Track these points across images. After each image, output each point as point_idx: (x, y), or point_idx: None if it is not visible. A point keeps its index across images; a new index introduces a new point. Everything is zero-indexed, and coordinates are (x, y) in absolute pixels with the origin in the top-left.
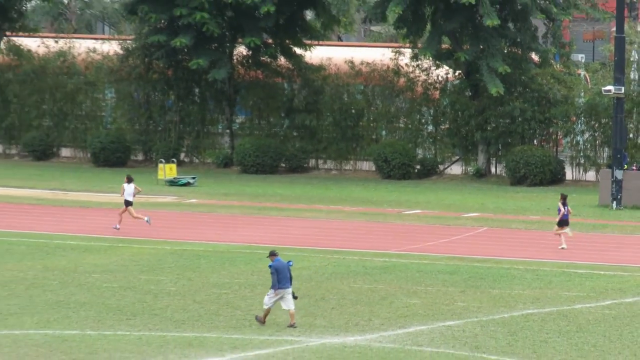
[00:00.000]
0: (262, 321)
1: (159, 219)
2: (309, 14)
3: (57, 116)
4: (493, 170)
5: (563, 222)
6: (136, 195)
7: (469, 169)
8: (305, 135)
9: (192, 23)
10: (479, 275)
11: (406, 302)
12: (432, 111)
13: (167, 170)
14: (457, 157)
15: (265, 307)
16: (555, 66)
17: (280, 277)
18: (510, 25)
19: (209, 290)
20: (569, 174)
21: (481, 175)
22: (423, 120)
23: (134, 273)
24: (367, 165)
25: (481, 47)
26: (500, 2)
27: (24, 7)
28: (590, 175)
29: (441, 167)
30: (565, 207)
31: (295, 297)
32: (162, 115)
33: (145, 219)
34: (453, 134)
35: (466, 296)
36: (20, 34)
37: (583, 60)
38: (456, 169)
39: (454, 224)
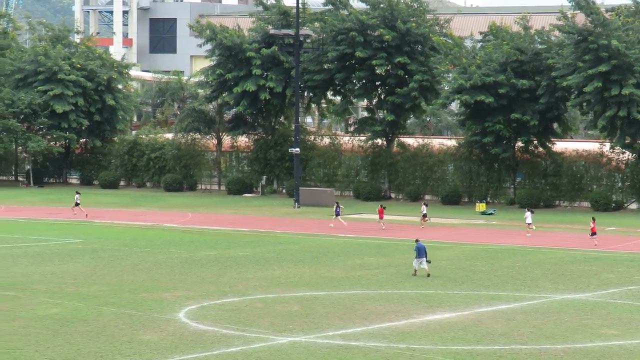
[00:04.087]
0: (414, 274)
1: (476, 232)
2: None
3: (424, 178)
4: None
5: None
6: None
7: None
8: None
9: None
10: None
11: None
12: None
13: (481, 207)
14: None
15: (415, 267)
16: None
17: (419, 252)
18: None
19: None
20: None
21: None
22: None
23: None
24: None
25: None
26: None
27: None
28: None
29: None
30: None
31: (428, 262)
32: (474, 178)
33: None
34: None
35: None
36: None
37: None
38: None
39: None
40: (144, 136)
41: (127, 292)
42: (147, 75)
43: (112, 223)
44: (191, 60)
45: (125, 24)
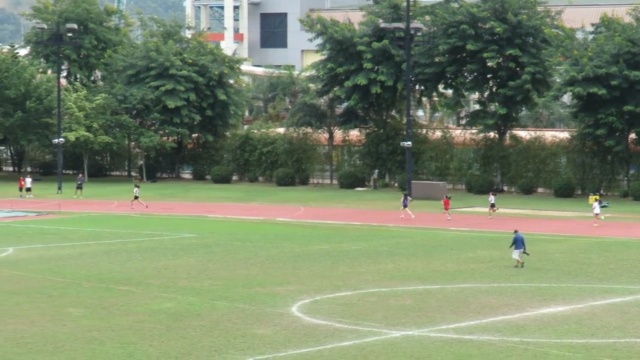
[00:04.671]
0: (516, 265)
1: (589, 225)
2: None
3: (536, 170)
4: None
5: None
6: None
7: None
8: None
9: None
10: None
11: None
12: None
13: (593, 199)
14: None
15: (514, 259)
16: None
17: (518, 243)
18: None
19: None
20: None
21: None
22: None
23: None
24: None
25: None
26: None
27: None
28: None
29: None
30: None
31: (527, 254)
32: (586, 170)
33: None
34: None
35: None
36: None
37: None
38: None
39: None
40: (255, 131)
41: (240, 286)
42: (259, 70)
43: (224, 218)
44: (302, 55)
45: (236, 19)
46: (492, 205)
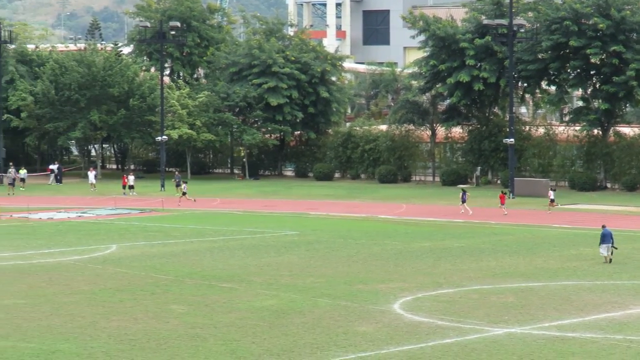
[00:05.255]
0: (605, 261)
1: None
2: None
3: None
4: None
5: None
6: None
7: None
8: None
9: None
10: None
11: None
12: None
13: None
14: None
15: (601, 254)
16: None
17: (605, 238)
18: None
19: None
20: None
21: None
22: None
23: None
24: None
25: None
26: None
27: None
28: None
29: None
30: None
31: (615, 248)
32: None
33: None
34: None
35: None
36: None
37: None
38: None
39: None
40: (358, 128)
41: (343, 283)
42: (361, 67)
43: (327, 215)
44: (404, 52)
45: (338, 16)
46: (552, 201)
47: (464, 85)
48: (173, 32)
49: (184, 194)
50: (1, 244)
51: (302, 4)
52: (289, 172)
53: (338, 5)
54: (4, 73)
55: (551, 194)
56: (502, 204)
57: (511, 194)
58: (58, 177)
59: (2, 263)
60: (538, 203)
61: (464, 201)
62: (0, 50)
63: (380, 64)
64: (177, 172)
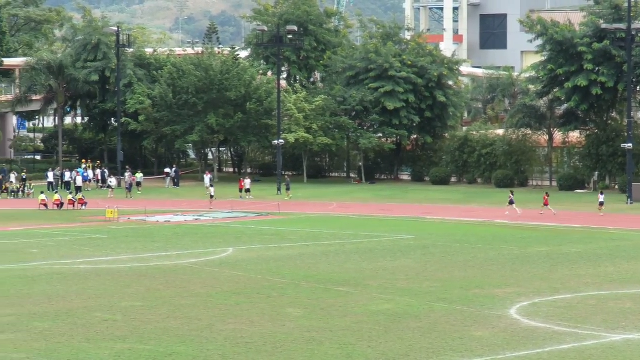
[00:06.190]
0: None
1: None
2: None
3: None
4: None
5: None
6: None
7: None
8: None
9: None
10: None
11: None
12: None
13: None
14: None
15: None
16: None
17: None
18: None
19: None
20: None
21: None
22: None
23: None
24: None
25: None
26: None
27: None
28: None
29: None
30: None
31: None
32: None
33: None
34: None
35: None
36: None
37: None
38: None
39: None
40: (474, 132)
41: (459, 288)
42: (478, 71)
43: (443, 219)
44: (522, 56)
45: (455, 21)
46: (601, 204)
47: (582, 89)
48: (290, 36)
49: (211, 197)
50: (119, 246)
51: (419, 8)
52: (405, 176)
53: (455, 9)
54: (122, 77)
55: (601, 197)
56: (546, 204)
57: (629, 199)
58: (175, 180)
59: (120, 265)
60: None
61: (511, 203)
62: (119, 54)
63: (498, 68)
64: (287, 176)
